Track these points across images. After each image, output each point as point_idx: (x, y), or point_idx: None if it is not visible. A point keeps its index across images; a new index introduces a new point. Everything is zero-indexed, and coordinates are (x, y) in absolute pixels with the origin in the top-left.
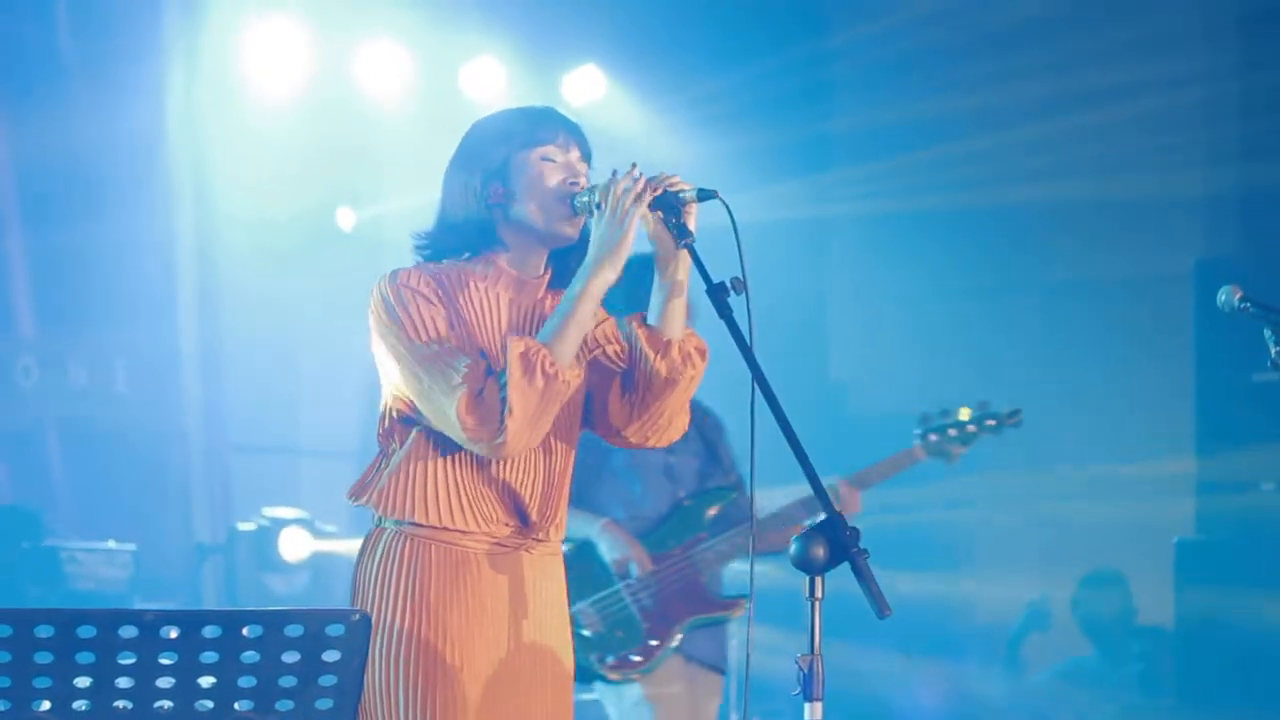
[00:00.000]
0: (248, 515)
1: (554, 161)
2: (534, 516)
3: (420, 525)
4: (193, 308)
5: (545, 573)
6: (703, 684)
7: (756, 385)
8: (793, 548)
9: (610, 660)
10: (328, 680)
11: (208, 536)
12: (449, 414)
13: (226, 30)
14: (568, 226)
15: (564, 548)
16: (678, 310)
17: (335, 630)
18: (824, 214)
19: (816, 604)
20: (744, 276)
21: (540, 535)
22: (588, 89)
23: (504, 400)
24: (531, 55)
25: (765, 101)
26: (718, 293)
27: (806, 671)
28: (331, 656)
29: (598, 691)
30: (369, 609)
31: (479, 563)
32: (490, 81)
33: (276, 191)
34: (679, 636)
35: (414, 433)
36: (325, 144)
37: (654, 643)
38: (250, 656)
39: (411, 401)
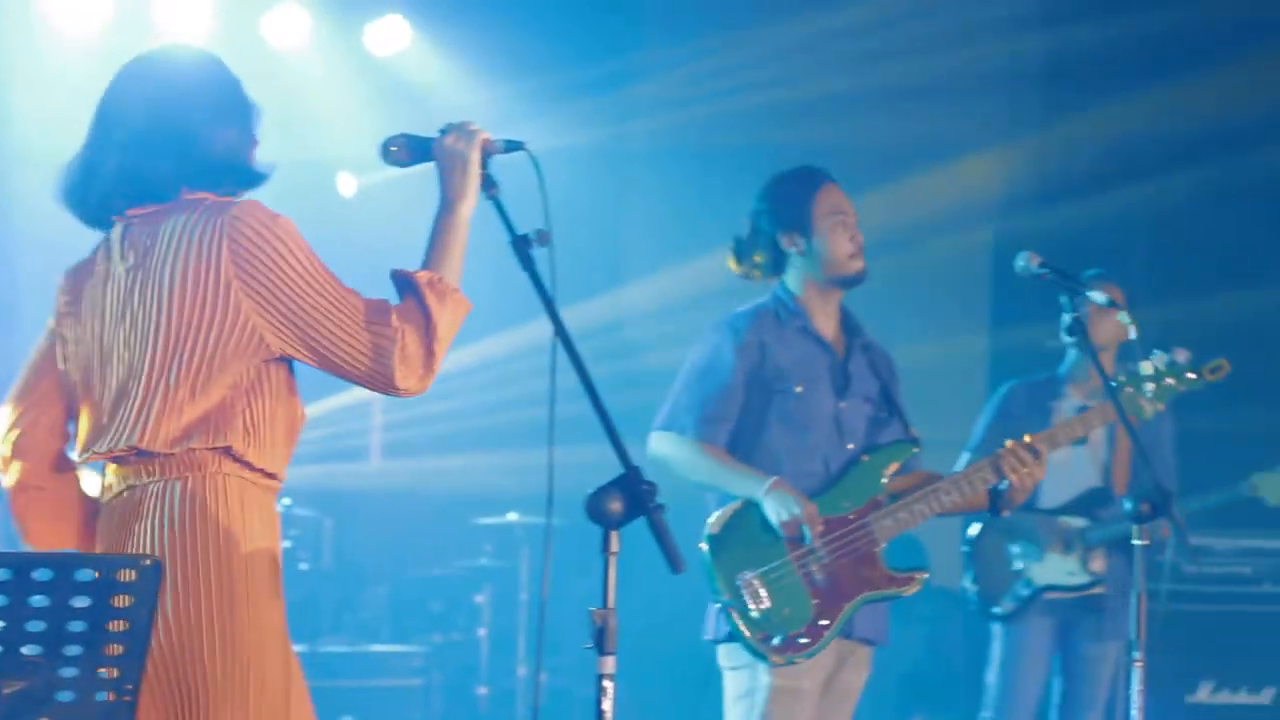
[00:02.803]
0: None
1: None
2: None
3: (264, 473)
4: None
5: None
6: (854, 659)
7: (558, 338)
8: (589, 502)
9: (776, 641)
10: (117, 625)
11: None
12: (385, 364)
13: None
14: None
15: (724, 510)
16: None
17: (127, 575)
18: (624, 136)
19: (612, 558)
20: (548, 228)
21: None
22: (392, 38)
23: (429, 331)
24: (335, 2)
25: (564, 43)
26: (521, 245)
27: (600, 625)
28: (123, 602)
29: (731, 675)
30: (218, 559)
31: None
32: (293, 29)
33: (74, 130)
34: (847, 615)
35: (268, 379)
36: None
37: (824, 623)
38: (39, 600)
39: (289, 346)
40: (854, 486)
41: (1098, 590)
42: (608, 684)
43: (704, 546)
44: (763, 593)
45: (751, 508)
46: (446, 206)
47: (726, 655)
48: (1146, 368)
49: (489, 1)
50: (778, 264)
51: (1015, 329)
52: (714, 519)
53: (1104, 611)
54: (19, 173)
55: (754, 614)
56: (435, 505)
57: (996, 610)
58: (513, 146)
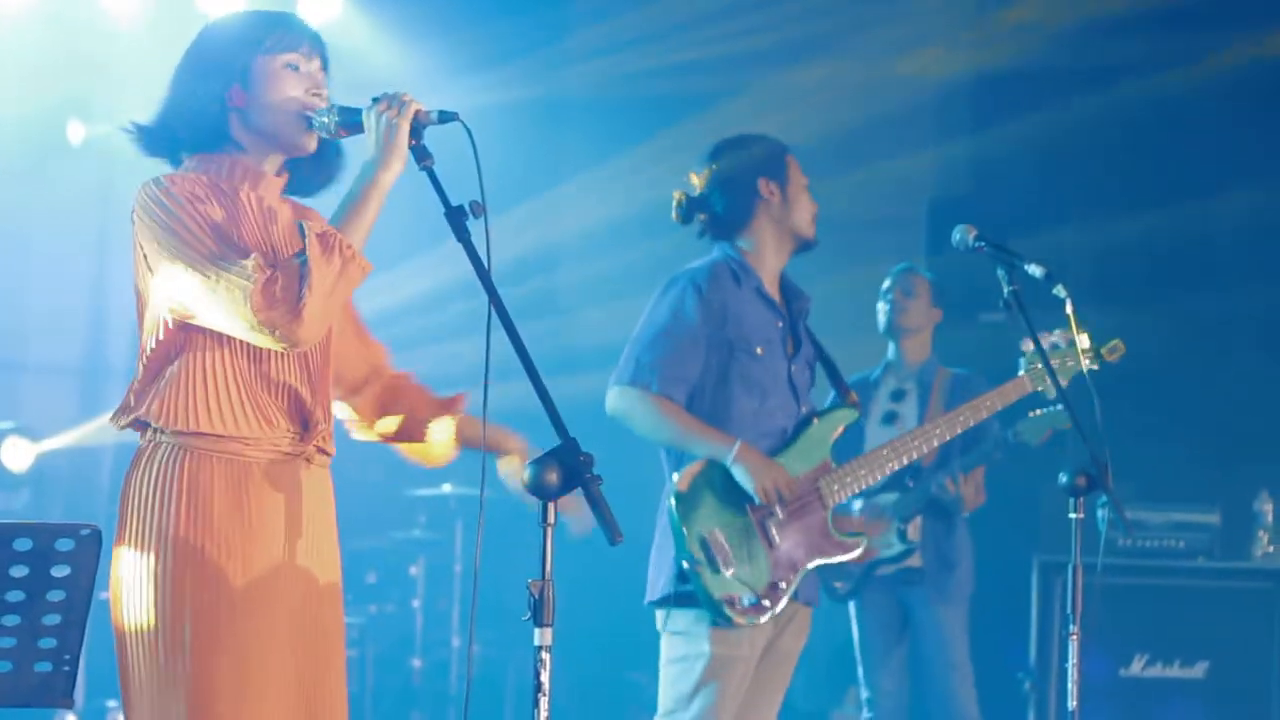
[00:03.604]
0: None
1: (297, 70)
2: (316, 416)
3: (203, 435)
4: None
5: (322, 486)
6: (795, 622)
7: (494, 310)
8: (525, 473)
9: (744, 603)
10: (56, 595)
11: None
12: (241, 305)
13: None
14: (306, 139)
15: (688, 469)
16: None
17: (65, 545)
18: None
19: (549, 529)
20: (483, 200)
21: (320, 442)
22: (323, 7)
23: (303, 277)
24: None
25: (500, 20)
26: (456, 216)
27: (537, 597)
28: (61, 571)
29: (672, 639)
30: (145, 526)
31: (260, 475)
32: None
33: (6, 100)
34: (800, 579)
35: (194, 340)
36: (56, 53)
37: (782, 585)
38: None
39: (188, 305)
40: (806, 449)
41: (913, 561)
42: (545, 656)
43: (672, 503)
44: (730, 554)
45: (714, 467)
46: (366, 171)
47: (670, 619)
48: (1052, 340)
49: None
50: (734, 217)
51: (952, 310)
52: (680, 478)
53: (925, 579)
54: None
55: (724, 575)
56: (369, 477)
57: (837, 590)
58: (446, 117)
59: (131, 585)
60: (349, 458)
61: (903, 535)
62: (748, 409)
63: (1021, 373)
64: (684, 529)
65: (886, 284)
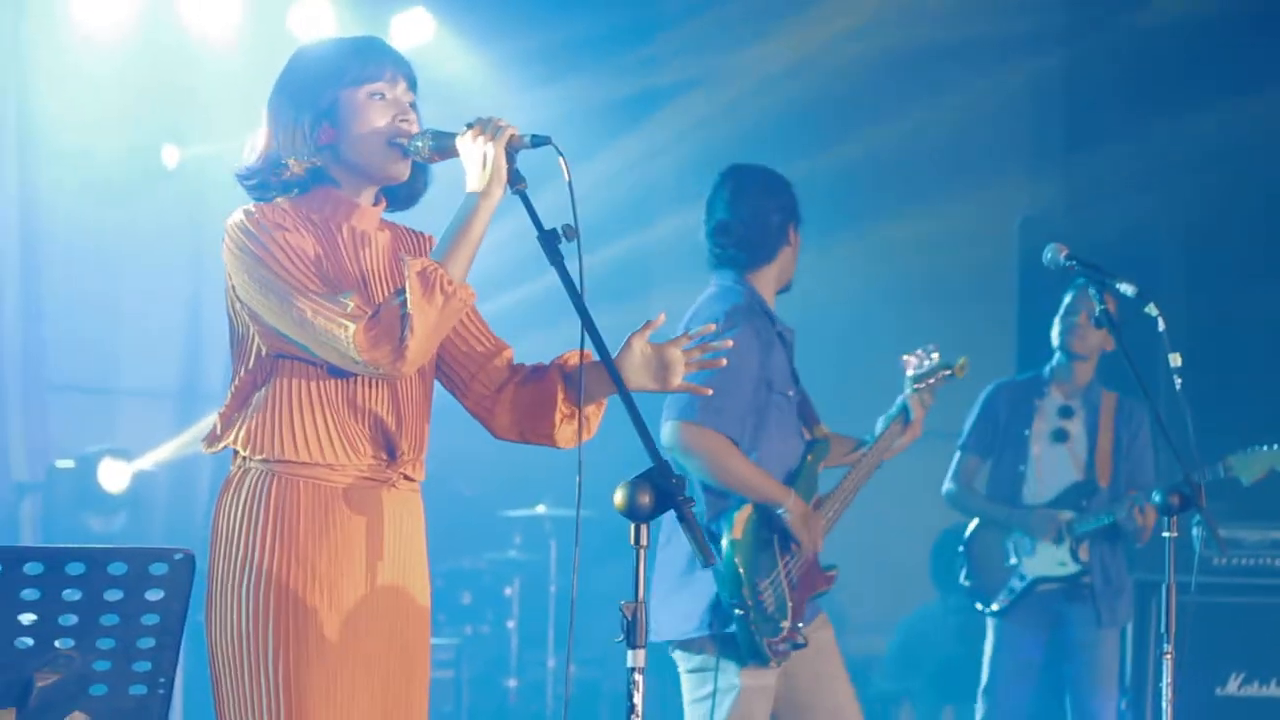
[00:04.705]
0: (66, 455)
1: (383, 99)
2: (402, 446)
3: (289, 462)
4: (14, 245)
5: (408, 509)
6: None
7: (587, 333)
8: (618, 495)
9: (781, 647)
10: (150, 619)
11: (26, 475)
12: (342, 339)
13: None
14: (399, 167)
15: (741, 513)
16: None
17: (159, 569)
18: (652, 150)
19: (641, 551)
20: (575, 224)
21: (407, 470)
22: (416, 31)
23: (405, 318)
24: None
25: (593, 43)
26: (549, 240)
27: (630, 618)
28: (155, 595)
29: (693, 677)
30: (234, 551)
31: (345, 499)
32: (318, 22)
33: (102, 128)
34: (805, 613)
35: (281, 367)
36: (152, 82)
37: (800, 625)
38: (72, 594)
39: (283, 335)
40: (807, 486)
41: (1086, 580)
42: (638, 677)
43: (726, 547)
44: (772, 599)
45: (760, 512)
46: (468, 200)
47: (690, 656)
48: (912, 364)
49: None
50: (758, 254)
51: (1042, 332)
52: (735, 525)
53: (1093, 599)
54: (50, 170)
55: (768, 619)
56: (464, 497)
57: (993, 605)
58: (539, 141)
59: (221, 612)
60: (444, 478)
61: (1075, 554)
62: (777, 449)
63: (907, 392)
64: (740, 574)
65: (1068, 300)
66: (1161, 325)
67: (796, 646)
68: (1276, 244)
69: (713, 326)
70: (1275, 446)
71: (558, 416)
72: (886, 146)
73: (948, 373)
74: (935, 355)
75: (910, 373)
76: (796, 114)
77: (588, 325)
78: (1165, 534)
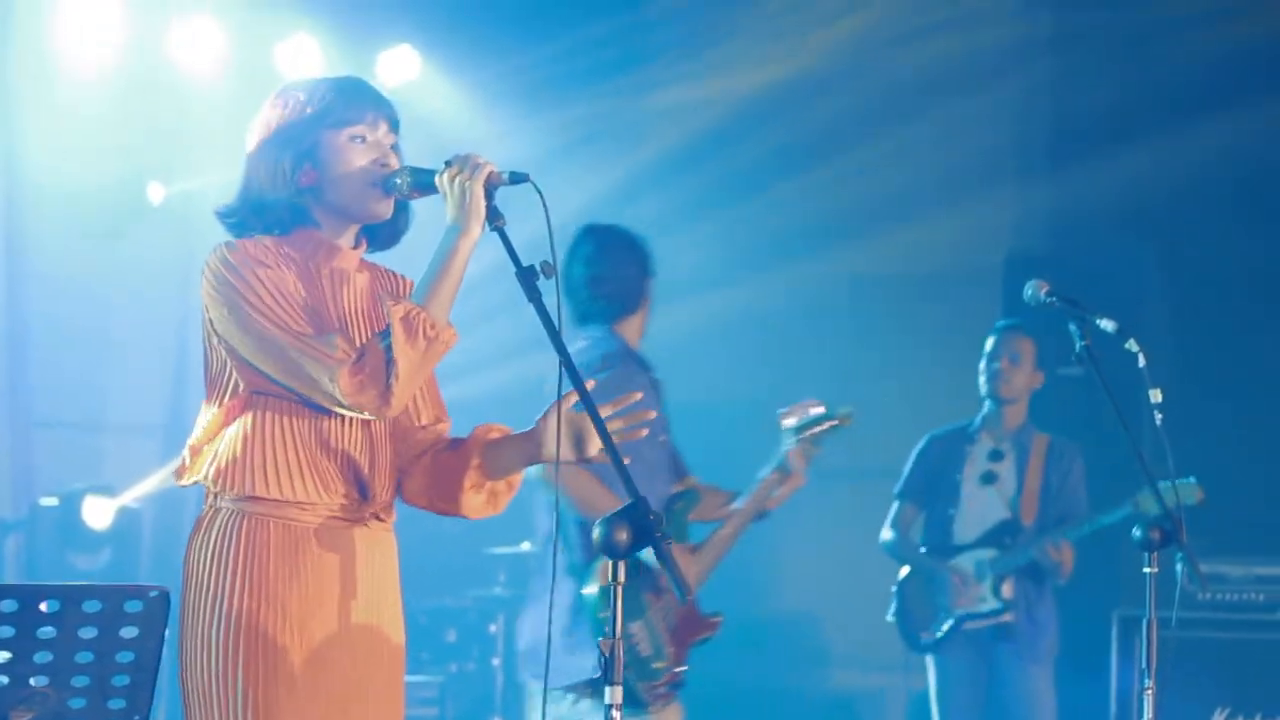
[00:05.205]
0: (50, 491)
1: (364, 141)
2: (374, 486)
3: (259, 499)
4: None
5: (381, 548)
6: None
7: (564, 370)
8: (596, 531)
9: (661, 691)
10: (125, 657)
11: (9, 513)
12: (328, 385)
13: (40, 2)
14: (380, 206)
15: (604, 562)
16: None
17: (134, 606)
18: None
19: (618, 588)
20: (554, 261)
21: (379, 511)
22: (402, 69)
23: (390, 363)
24: (346, 33)
25: (579, 76)
26: (527, 276)
27: (607, 655)
28: (129, 633)
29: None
30: (204, 592)
31: (316, 539)
32: (304, 59)
33: (87, 164)
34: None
35: (254, 402)
36: (138, 118)
37: (678, 669)
38: (46, 632)
39: (262, 372)
40: (676, 534)
41: (1007, 617)
42: (616, 714)
43: (592, 595)
44: (648, 644)
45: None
46: (446, 238)
47: (577, 704)
48: (791, 420)
49: (501, 31)
50: (624, 307)
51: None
52: (599, 571)
53: (1016, 637)
54: (35, 206)
55: (639, 662)
56: (448, 534)
57: (923, 639)
58: (518, 179)
59: (193, 653)
60: (428, 515)
61: (997, 592)
62: (646, 491)
63: (787, 444)
64: (603, 620)
65: (990, 346)
66: (1142, 361)
67: (678, 688)
68: (1261, 267)
69: (638, 395)
70: (1187, 480)
71: (466, 483)
72: (868, 179)
73: (834, 423)
74: (818, 408)
75: (789, 423)
76: (778, 146)
77: (565, 362)
78: (1146, 569)
